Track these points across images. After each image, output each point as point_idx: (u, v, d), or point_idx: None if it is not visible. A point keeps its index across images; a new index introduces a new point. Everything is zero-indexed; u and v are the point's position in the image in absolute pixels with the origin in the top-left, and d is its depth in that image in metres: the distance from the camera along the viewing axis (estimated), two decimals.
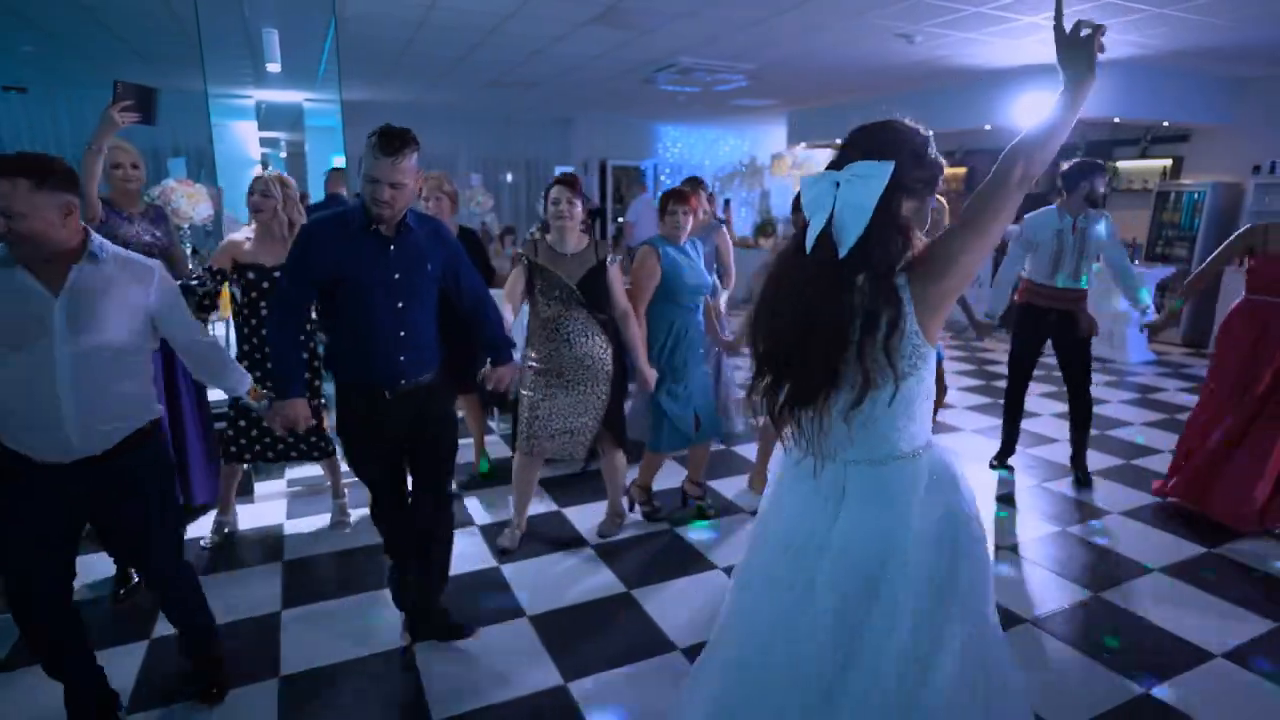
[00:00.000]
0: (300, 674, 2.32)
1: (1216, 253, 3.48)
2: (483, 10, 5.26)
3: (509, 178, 11.38)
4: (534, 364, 2.93)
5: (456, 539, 3.20)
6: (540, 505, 3.56)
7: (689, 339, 3.20)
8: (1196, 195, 7.35)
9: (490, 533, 3.30)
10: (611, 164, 11.76)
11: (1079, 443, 3.95)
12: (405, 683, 2.30)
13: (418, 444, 2.30)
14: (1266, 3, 4.67)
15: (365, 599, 2.73)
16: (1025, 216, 3.79)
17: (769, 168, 11.77)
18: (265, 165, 11.25)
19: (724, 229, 4.32)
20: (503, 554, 3.09)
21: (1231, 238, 3.47)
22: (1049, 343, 3.94)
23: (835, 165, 1.32)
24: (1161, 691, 2.27)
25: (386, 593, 2.77)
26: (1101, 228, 3.73)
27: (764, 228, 11.17)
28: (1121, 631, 2.60)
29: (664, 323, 3.16)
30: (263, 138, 10.54)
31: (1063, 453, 4.39)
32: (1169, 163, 7.80)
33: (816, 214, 1.30)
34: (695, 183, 4.27)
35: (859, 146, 1.32)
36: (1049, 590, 2.86)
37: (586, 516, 3.47)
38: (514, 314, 2.80)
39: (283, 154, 11.12)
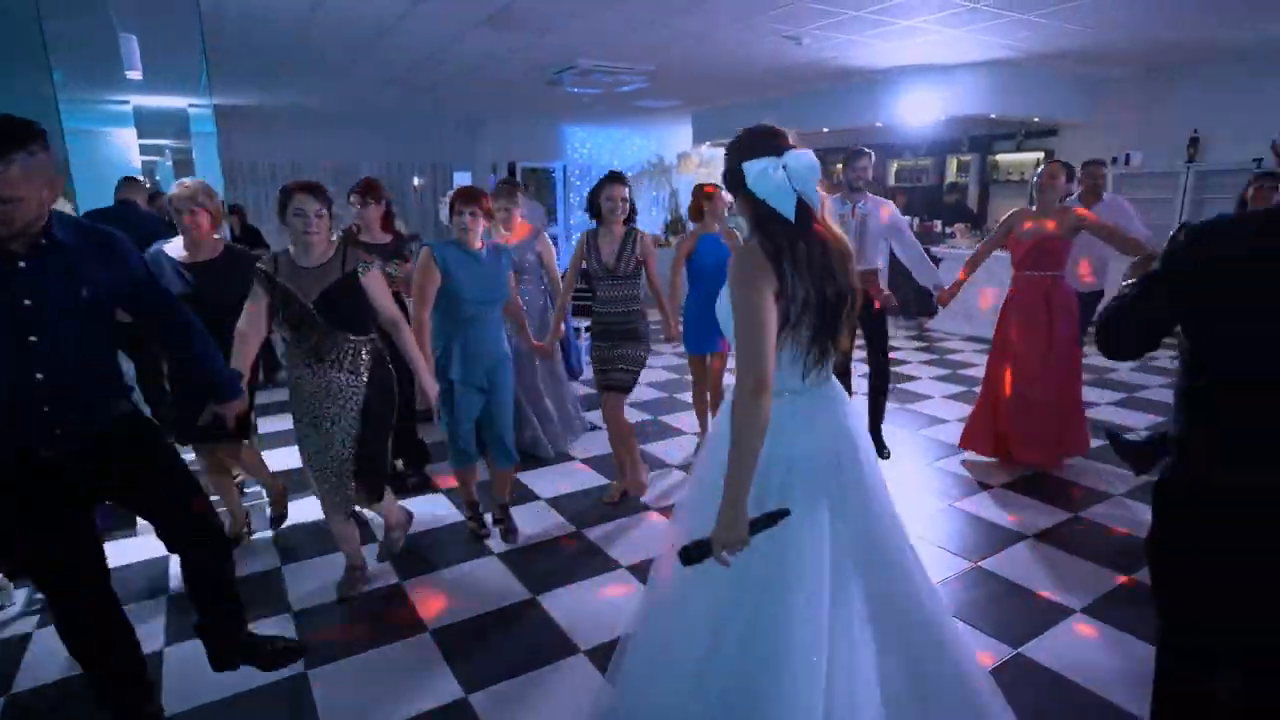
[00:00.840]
0: (184, 713, 2.22)
1: (990, 236, 4.07)
2: (370, 13, 5.13)
3: (416, 181, 11.12)
4: (294, 398, 2.62)
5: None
6: (451, 514, 3.52)
7: (469, 354, 2.97)
8: None
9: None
10: (521, 165, 11.67)
11: (876, 411, 4.22)
12: (298, 710, 2.23)
13: (138, 503, 2.00)
14: (1108, 10, 5.09)
15: (255, 627, 2.62)
16: None
17: (676, 167, 11.93)
18: (150, 175, 10.58)
19: (545, 235, 4.17)
20: (341, 601, 2.82)
21: (999, 224, 4.00)
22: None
23: (773, 152, 1.56)
24: (1030, 649, 2.45)
25: (278, 618, 2.70)
26: (883, 214, 3.98)
27: (674, 225, 11.32)
28: (996, 595, 2.79)
29: (439, 335, 2.99)
30: (145, 145, 9.94)
31: (954, 433, 4.65)
32: (1042, 155, 8.36)
33: (779, 191, 1.54)
34: (510, 185, 4.09)
35: (784, 139, 1.60)
36: (934, 563, 3.03)
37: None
38: (256, 339, 2.52)
39: (169, 162, 10.49)
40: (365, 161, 10.45)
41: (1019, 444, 3.89)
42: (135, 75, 5.80)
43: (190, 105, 8.91)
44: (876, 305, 4.00)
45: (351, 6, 5.01)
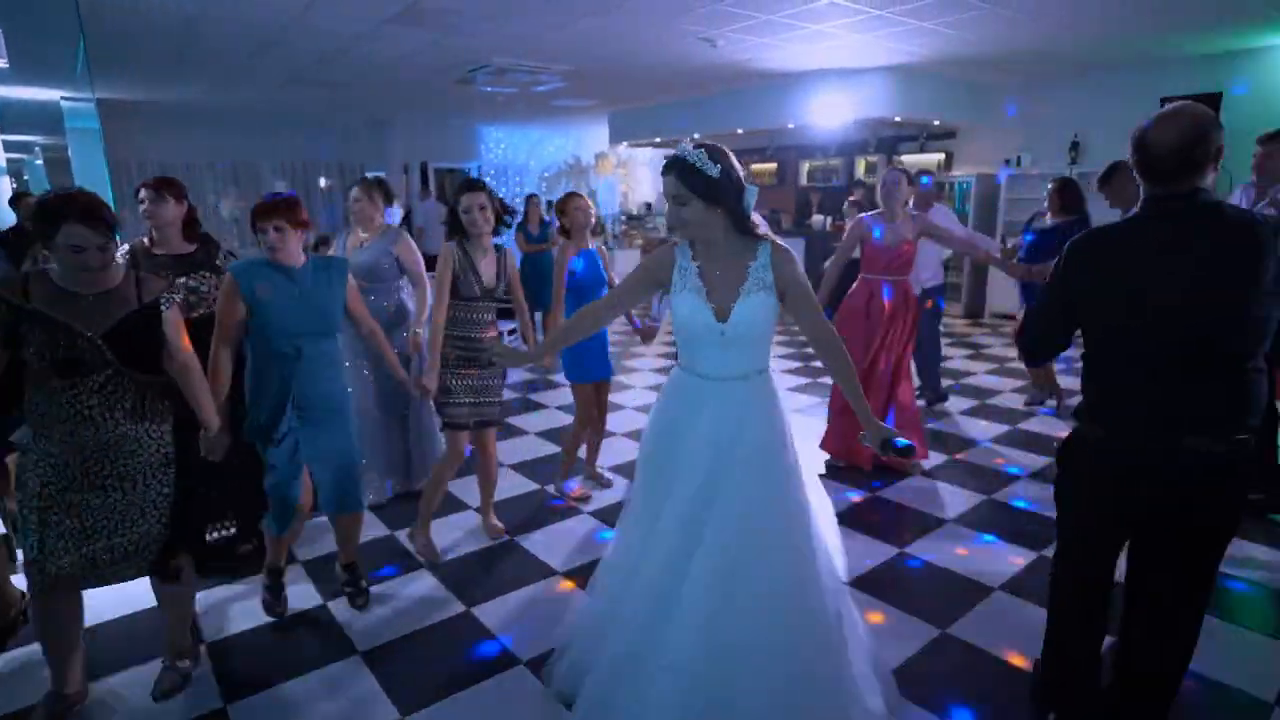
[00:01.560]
0: None
1: (840, 246, 4.12)
2: (268, 4, 4.86)
3: (322, 182, 10.65)
4: (39, 454, 2.01)
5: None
6: (372, 529, 3.37)
7: (297, 391, 2.48)
8: (964, 184, 8.38)
9: (314, 569, 3.07)
10: (433, 166, 11.37)
11: None
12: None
13: None
14: (997, 23, 5.42)
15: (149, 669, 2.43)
16: None
17: (594, 167, 11.91)
18: (18, 175, 9.69)
19: (405, 235, 3.59)
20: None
21: (845, 233, 4.11)
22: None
23: None
24: (956, 628, 2.56)
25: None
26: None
27: (596, 227, 11.29)
28: (922, 579, 2.91)
29: (256, 373, 2.53)
30: (10, 141, 9.08)
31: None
32: (943, 156, 8.82)
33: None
34: (371, 185, 3.50)
35: None
36: (859, 553, 3.12)
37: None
38: None
39: (39, 160, 9.60)
40: (266, 160, 9.94)
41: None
42: None
43: (64, 98, 8.21)
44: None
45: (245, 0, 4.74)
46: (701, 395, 1.91)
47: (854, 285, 4.03)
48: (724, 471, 1.84)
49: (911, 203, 4.02)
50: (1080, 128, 7.59)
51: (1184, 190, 1.60)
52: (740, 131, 8.94)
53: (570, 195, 3.72)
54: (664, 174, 1.83)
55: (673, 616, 1.81)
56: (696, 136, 9.31)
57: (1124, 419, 1.71)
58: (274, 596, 2.73)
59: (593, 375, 3.64)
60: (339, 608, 2.77)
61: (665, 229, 2.22)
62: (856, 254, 4.05)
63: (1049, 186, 4.75)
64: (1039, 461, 4.10)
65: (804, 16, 5.31)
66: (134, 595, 2.50)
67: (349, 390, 2.69)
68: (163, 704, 2.23)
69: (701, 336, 1.88)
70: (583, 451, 3.91)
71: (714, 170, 1.76)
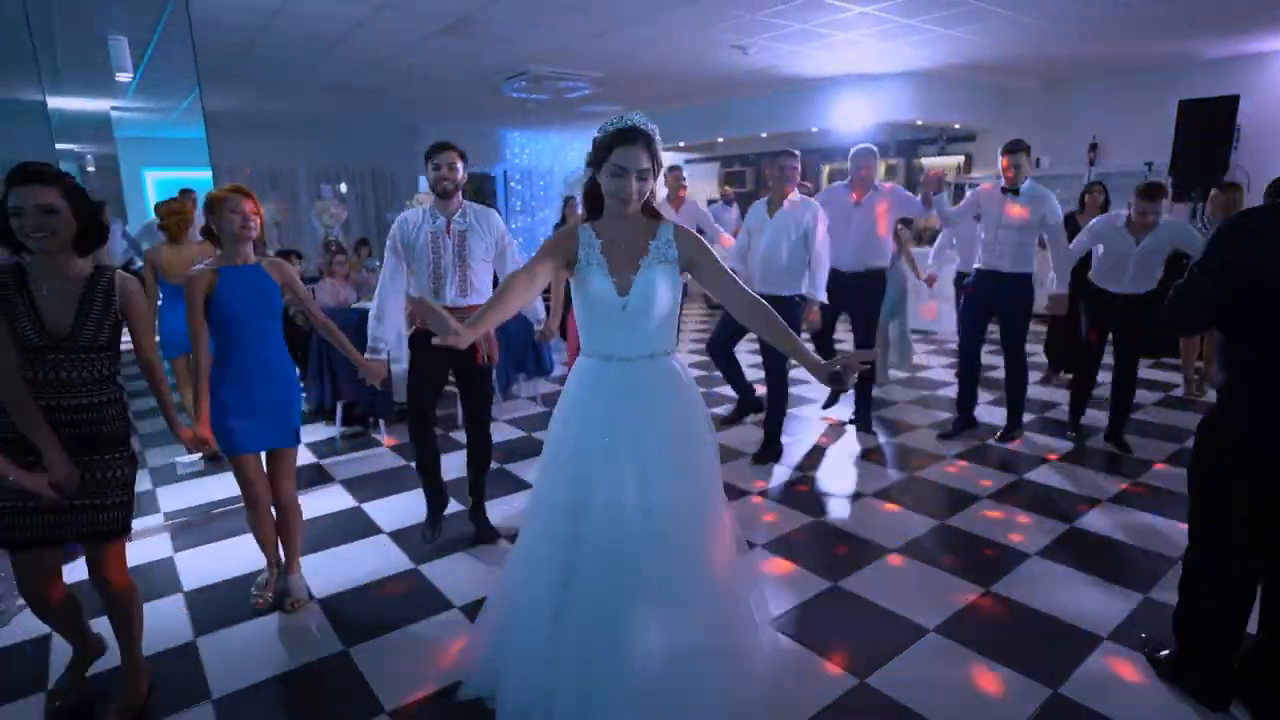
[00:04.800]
0: (234, 693, 2.28)
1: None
2: (331, 17, 5.15)
3: (343, 188, 10.90)
4: None
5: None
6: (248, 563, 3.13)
7: None
8: None
9: (333, 608, 3.31)
10: None
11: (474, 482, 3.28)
12: (349, 682, 2.32)
13: None
14: (1018, 30, 5.64)
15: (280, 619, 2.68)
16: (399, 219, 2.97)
17: None
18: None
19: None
20: None
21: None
22: None
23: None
24: (999, 588, 2.80)
25: (309, 612, 2.74)
26: (491, 224, 3.03)
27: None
28: (959, 547, 3.14)
29: None
30: (58, 150, 9.40)
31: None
32: (963, 159, 9.03)
33: None
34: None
35: None
36: (906, 524, 3.37)
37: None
38: None
39: (90, 168, 9.92)
40: (302, 167, 10.25)
41: None
42: (125, 77, 5.74)
43: (113, 108, 8.52)
44: (479, 356, 2.97)
45: (313, 12, 5.02)
46: (606, 377, 1.87)
47: None
48: (628, 452, 1.82)
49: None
50: (1099, 129, 7.79)
51: None
52: (764, 135, 9.19)
53: (225, 192, 2.49)
54: (628, 144, 1.77)
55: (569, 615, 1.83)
56: (721, 140, 9.62)
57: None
58: None
59: (254, 443, 2.56)
60: (360, 655, 2.46)
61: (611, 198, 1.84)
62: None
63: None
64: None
65: (835, 25, 5.55)
66: None
67: None
68: (283, 650, 2.47)
69: (603, 313, 1.85)
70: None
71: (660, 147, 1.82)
